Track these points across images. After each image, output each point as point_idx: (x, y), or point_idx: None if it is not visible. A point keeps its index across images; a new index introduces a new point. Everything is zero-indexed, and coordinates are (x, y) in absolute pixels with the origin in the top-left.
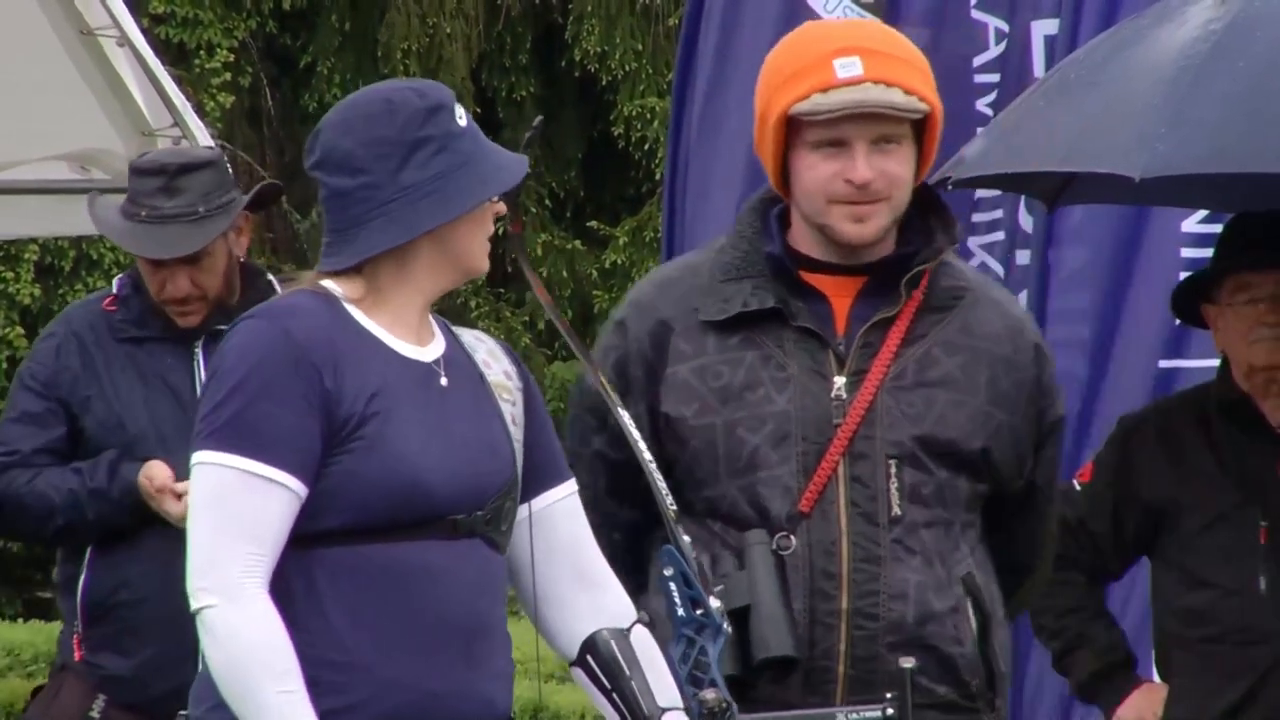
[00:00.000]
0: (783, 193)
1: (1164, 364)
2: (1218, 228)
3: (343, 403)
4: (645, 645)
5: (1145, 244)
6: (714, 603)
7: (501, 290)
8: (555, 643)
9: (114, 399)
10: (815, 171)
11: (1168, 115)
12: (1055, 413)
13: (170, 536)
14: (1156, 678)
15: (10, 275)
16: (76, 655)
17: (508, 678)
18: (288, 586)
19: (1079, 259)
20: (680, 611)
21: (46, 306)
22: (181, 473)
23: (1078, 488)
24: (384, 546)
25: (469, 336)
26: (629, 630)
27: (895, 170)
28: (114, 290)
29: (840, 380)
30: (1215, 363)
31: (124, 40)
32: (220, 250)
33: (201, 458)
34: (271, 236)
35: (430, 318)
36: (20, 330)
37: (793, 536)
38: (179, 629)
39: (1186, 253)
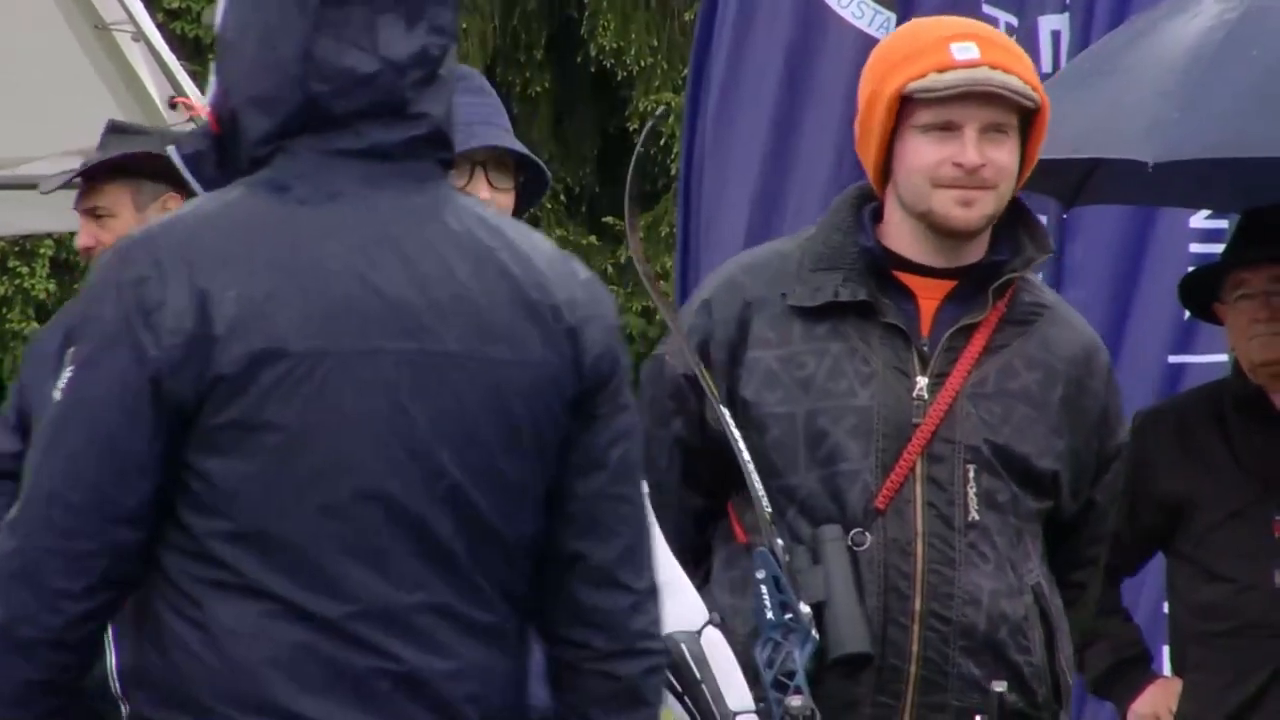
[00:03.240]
0: (878, 187)
1: (1173, 359)
2: (1225, 224)
3: None
4: (716, 647)
5: (1154, 240)
6: (804, 608)
7: None
8: None
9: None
10: (923, 155)
11: (1180, 102)
12: (1117, 441)
13: None
14: (1169, 672)
15: (26, 270)
16: None
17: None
18: None
19: (1077, 253)
20: (769, 615)
21: (62, 301)
22: None
23: None
24: None
25: None
26: (699, 632)
27: (1004, 160)
28: None
29: (923, 380)
30: (1223, 358)
31: (139, 35)
32: (125, 213)
33: None
34: None
35: None
36: (36, 325)
37: (868, 533)
38: None
39: (1195, 248)
